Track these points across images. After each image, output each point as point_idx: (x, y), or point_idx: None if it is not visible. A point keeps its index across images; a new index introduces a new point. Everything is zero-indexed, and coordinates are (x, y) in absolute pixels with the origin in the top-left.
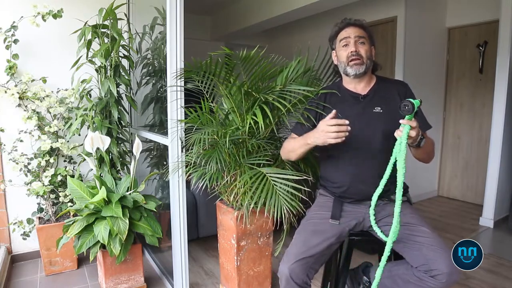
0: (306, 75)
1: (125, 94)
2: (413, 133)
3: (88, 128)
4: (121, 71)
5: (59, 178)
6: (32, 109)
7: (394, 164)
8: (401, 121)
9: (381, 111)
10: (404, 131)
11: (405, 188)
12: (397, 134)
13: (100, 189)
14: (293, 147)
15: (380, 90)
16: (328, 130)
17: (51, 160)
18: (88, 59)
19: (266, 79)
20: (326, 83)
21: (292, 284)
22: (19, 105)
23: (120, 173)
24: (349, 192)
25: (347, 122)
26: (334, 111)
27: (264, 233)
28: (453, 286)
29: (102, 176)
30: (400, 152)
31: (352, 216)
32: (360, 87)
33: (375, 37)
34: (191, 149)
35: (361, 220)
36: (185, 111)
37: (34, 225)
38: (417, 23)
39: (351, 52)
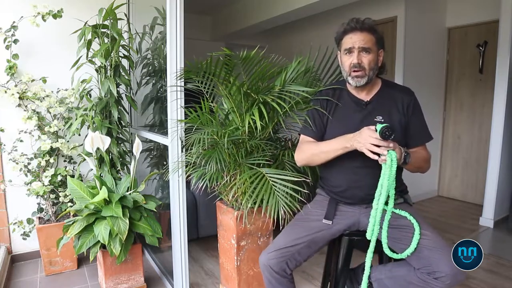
0: (306, 76)
1: (125, 94)
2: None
3: (88, 128)
4: (121, 71)
5: (59, 178)
6: (32, 109)
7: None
8: (381, 143)
9: (382, 120)
10: (392, 157)
11: (404, 189)
12: (381, 161)
13: (101, 189)
14: (322, 151)
15: (384, 97)
16: (370, 142)
17: (51, 160)
18: (88, 59)
19: (266, 79)
20: (326, 84)
21: (270, 271)
22: (19, 105)
23: (120, 173)
24: (345, 195)
25: (391, 145)
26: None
27: (264, 233)
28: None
29: (102, 176)
30: (390, 177)
31: (346, 216)
32: (363, 94)
33: (384, 38)
34: (191, 149)
35: (354, 221)
36: (185, 111)
37: (34, 225)
38: (417, 23)
39: (353, 63)
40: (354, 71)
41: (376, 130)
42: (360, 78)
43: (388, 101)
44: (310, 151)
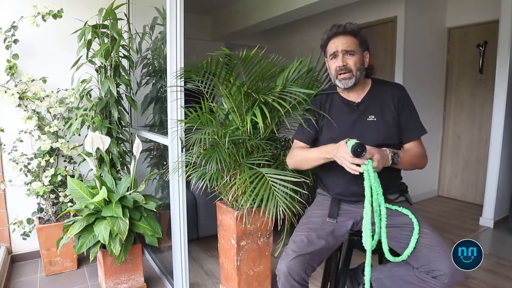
0: (308, 76)
1: (125, 94)
2: (375, 165)
3: (88, 128)
4: (121, 71)
5: (59, 178)
6: (32, 109)
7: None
8: (355, 161)
9: (375, 119)
10: (368, 168)
11: (404, 188)
12: (359, 172)
13: (100, 189)
14: (307, 158)
15: (375, 96)
16: (346, 162)
17: (51, 160)
18: (88, 59)
19: (266, 79)
20: (326, 85)
21: (290, 280)
22: (19, 105)
23: (120, 173)
24: (345, 192)
25: (365, 162)
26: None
27: (264, 233)
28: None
29: (102, 176)
30: (373, 182)
31: (349, 216)
32: (354, 95)
33: (368, 40)
34: (191, 149)
35: (358, 220)
36: (185, 111)
37: (34, 225)
38: (417, 23)
39: (338, 66)
40: (340, 73)
41: (348, 147)
42: (347, 80)
43: (380, 100)
44: (298, 157)
